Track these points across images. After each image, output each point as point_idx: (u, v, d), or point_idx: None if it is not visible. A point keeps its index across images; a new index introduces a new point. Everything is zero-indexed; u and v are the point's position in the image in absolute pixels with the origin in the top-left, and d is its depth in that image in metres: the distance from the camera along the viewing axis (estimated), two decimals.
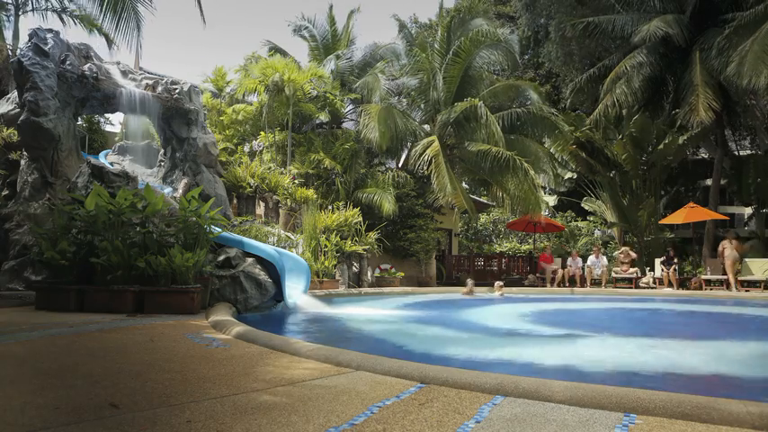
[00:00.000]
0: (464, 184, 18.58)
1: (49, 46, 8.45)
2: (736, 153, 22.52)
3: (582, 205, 23.82)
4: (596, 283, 16.07)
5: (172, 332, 4.68)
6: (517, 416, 2.29)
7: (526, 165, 14.83)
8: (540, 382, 2.65)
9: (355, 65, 17.74)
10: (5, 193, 8.62)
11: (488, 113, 14.57)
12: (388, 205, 14.00)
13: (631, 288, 15.58)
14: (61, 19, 15.12)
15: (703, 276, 15.69)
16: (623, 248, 17.45)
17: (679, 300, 12.45)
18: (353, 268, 12.88)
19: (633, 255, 17.02)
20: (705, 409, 2.27)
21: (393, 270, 13.94)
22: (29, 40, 8.52)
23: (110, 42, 14.49)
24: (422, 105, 17.64)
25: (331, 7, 18.08)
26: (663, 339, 6.33)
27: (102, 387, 2.70)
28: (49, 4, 14.89)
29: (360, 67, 17.68)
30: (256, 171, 12.72)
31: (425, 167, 14.94)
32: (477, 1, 19.10)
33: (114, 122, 15.95)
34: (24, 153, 8.37)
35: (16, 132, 8.59)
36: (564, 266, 16.72)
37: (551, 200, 27.30)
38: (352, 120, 17.51)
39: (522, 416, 2.29)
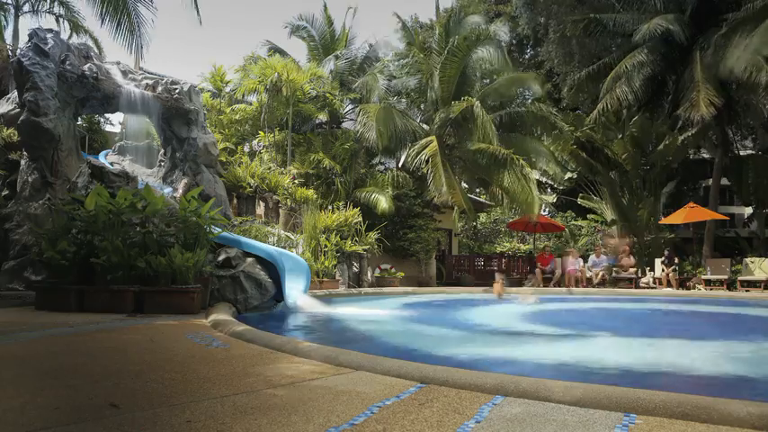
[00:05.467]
0: (463, 184, 18.58)
1: (49, 46, 8.44)
2: (737, 153, 22.51)
3: (579, 202, 23.79)
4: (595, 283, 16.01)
5: (172, 332, 4.68)
6: (517, 416, 2.29)
7: (522, 162, 14.83)
8: (540, 382, 2.65)
9: (354, 64, 17.75)
10: (5, 193, 8.60)
11: (484, 113, 14.56)
12: (384, 204, 13.99)
13: (631, 288, 15.56)
14: (57, 22, 15.16)
15: (703, 276, 15.69)
16: (626, 240, 17.05)
17: (679, 300, 12.45)
18: (353, 268, 12.87)
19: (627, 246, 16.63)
20: (705, 409, 2.26)
21: (393, 270, 13.93)
22: (29, 40, 8.51)
23: (100, 50, 14.59)
24: (421, 105, 17.65)
25: (326, 7, 18.00)
26: (663, 339, 6.33)
27: (102, 387, 2.70)
28: (45, 5, 14.91)
29: (359, 67, 17.69)
30: (256, 171, 12.72)
31: (424, 167, 14.94)
32: (476, 0, 19.12)
33: (114, 122, 15.94)
34: (24, 153, 8.36)
35: (16, 132, 8.58)
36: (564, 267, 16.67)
37: (551, 199, 27.31)
38: (351, 120, 17.51)
39: (522, 416, 2.29)
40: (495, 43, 16.24)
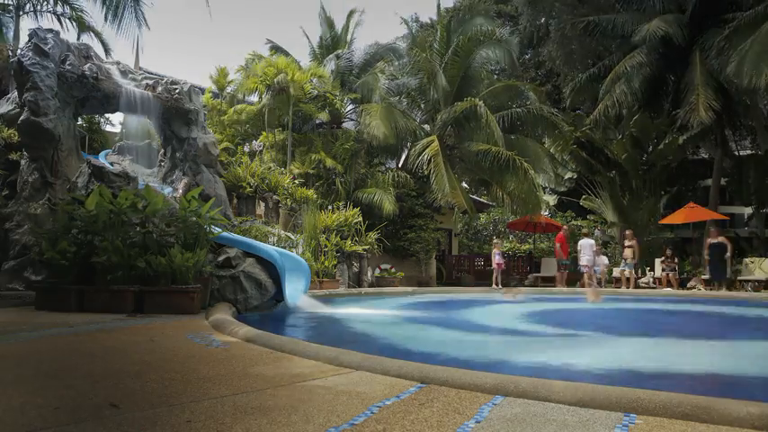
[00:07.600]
0: (464, 184, 18.59)
1: (49, 46, 8.44)
2: (737, 153, 22.50)
3: (581, 203, 23.78)
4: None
5: (172, 332, 4.68)
6: (517, 416, 2.29)
7: (526, 164, 14.82)
8: (539, 382, 2.65)
9: (355, 64, 17.77)
10: (5, 193, 8.60)
11: (488, 113, 14.57)
12: (389, 205, 14.03)
13: (630, 287, 15.53)
14: (59, 22, 15.14)
15: (703, 276, 15.67)
16: (627, 232, 16.62)
17: (679, 300, 12.44)
18: (353, 268, 12.87)
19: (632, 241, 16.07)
20: (705, 409, 2.26)
21: (393, 270, 13.94)
22: (29, 40, 8.51)
23: (107, 50, 14.62)
24: (422, 105, 17.66)
25: (329, 11, 18.20)
26: (663, 339, 6.33)
27: (102, 387, 2.70)
28: (48, 6, 14.89)
29: (360, 67, 17.70)
30: (256, 171, 12.71)
31: (425, 167, 14.95)
32: (477, 0, 19.15)
33: (114, 122, 15.92)
34: (24, 153, 8.36)
35: (16, 132, 8.58)
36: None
37: (551, 200, 27.30)
38: (352, 120, 17.53)
39: (522, 416, 2.29)
40: (503, 47, 16.24)
